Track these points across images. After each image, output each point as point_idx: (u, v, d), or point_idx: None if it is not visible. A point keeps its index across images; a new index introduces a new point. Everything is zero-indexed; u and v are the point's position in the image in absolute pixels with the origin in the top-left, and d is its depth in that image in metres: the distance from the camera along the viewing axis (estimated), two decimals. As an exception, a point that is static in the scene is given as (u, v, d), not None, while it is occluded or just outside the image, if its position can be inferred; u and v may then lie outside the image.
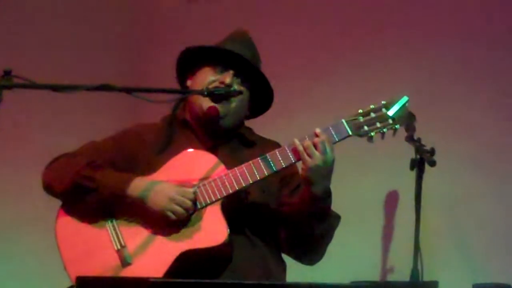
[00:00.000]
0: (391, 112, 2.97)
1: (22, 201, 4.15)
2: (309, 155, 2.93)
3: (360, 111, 2.99)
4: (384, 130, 2.97)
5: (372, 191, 4.25)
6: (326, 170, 2.97)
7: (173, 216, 2.99)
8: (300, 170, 3.02)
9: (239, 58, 3.16)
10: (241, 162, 3.06)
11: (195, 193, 3.02)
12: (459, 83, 4.37)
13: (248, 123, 3.33)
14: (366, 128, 2.97)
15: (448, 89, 4.37)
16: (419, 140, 3.81)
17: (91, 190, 3.06)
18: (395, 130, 2.98)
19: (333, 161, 2.96)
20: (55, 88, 2.76)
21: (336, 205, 3.13)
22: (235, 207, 3.06)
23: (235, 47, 3.19)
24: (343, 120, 2.98)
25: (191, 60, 3.22)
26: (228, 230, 2.97)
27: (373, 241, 4.32)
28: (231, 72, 3.14)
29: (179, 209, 2.98)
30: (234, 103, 3.15)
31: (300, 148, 2.95)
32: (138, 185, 3.03)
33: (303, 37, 4.74)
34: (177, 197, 2.98)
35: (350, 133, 2.98)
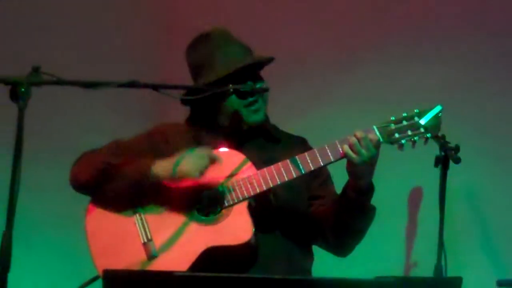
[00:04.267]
0: (423, 121, 2.90)
1: (50, 196, 4.14)
2: (355, 152, 2.88)
3: (392, 118, 2.93)
4: (415, 138, 2.90)
5: (397, 188, 4.22)
6: (371, 166, 2.94)
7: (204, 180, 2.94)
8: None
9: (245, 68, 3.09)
10: (268, 159, 3.03)
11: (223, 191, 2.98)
12: (483, 80, 4.30)
13: (278, 119, 3.28)
14: (397, 135, 2.91)
15: (473, 86, 4.31)
16: (443, 137, 3.72)
17: (114, 176, 3.02)
18: (427, 139, 2.91)
19: (376, 157, 2.92)
20: (83, 84, 2.72)
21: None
22: (263, 206, 3.02)
23: (233, 60, 3.09)
24: (375, 127, 2.92)
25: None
26: (254, 229, 2.93)
27: (398, 237, 4.29)
28: (249, 83, 3.08)
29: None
30: (261, 99, 3.10)
31: (346, 147, 2.89)
32: (161, 164, 2.98)
33: (324, 35, 4.69)
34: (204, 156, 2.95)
35: (381, 139, 2.91)
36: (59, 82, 2.63)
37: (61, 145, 4.18)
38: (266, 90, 3.07)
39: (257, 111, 3.09)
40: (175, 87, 3.02)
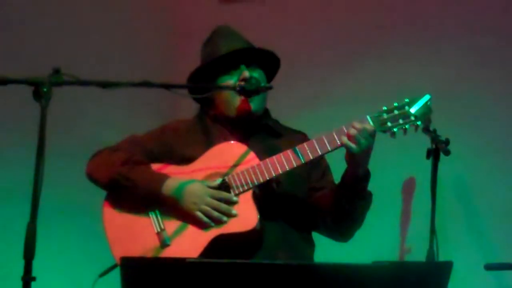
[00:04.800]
0: (413, 110, 2.95)
1: (70, 189, 4.18)
2: (354, 142, 2.94)
3: (384, 108, 2.98)
4: (407, 126, 2.95)
5: (392, 179, 4.25)
6: (368, 154, 3.00)
7: (204, 219, 3.02)
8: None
9: (240, 52, 3.18)
10: (271, 152, 3.08)
11: (226, 184, 3.05)
12: (472, 76, 4.35)
13: (278, 115, 3.34)
14: (389, 124, 2.96)
15: (462, 82, 4.35)
16: (434, 131, 3.80)
17: (127, 187, 3.10)
18: (417, 126, 2.97)
19: (372, 145, 2.98)
20: (100, 84, 2.77)
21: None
22: (267, 195, 3.08)
23: (229, 44, 3.21)
24: (368, 116, 2.98)
25: (203, 79, 3.24)
26: (259, 216, 2.98)
27: (392, 224, 4.33)
28: (242, 67, 3.17)
29: (213, 213, 3.01)
30: (261, 94, 3.16)
31: (345, 139, 2.95)
32: (171, 185, 3.06)
33: (328, 32, 4.73)
34: (211, 201, 3.01)
35: (374, 128, 2.97)
36: (78, 82, 2.69)
37: (80, 140, 4.22)
38: (269, 88, 3.10)
39: (248, 101, 3.15)
40: (185, 86, 3.11)
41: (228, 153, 3.11)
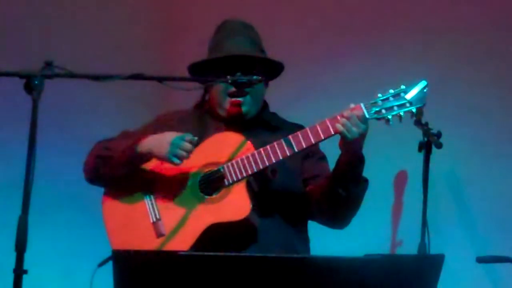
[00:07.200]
0: (409, 96, 2.94)
1: (62, 181, 4.18)
2: (347, 130, 2.93)
3: (379, 95, 2.96)
4: (401, 113, 2.94)
5: (384, 171, 4.23)
6: (362, 140, 2.98)
7: (177, 161, 3.01)
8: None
9: (241, 56, 3.14)
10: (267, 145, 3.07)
11: (220, 173, 3.03)
12: (464, 69, 4.36)
13: (272, 108, 3.32)
14: (384, 111, 2.95)
15: (454, 75, 4.36)
16: (426, 124, 3.80)
17: (108, 157, 3.11)
18: (413, 113, 2.95)
19: (366, 132, 2.96)
20: (92, 77, 2.78)
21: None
22: (262, 185, 3.08)
23: (232, 45, 3.17)
24: (362, 104, 2.96)
25: (201, 74, 3.21)
26: (251, 206, 2.99)
27: (384, 217, 4.34)
28: (238, 74, 3.08)
29: (180, 152, 3.01)
30: (252, 94, 3.14)
31: (339, 127, 2.93)
32: (145, 141, 3.06)
33: (321, 24, 4.73)
34: (177, 140, 3.01)
35: (368, 116, 2.94)
36: (70, 75, 2.68)
37: (72, 132, 4.24)
38: (260, 81, 3.02)
39: (239, 104, 3.14)
40: (178, 79, 3.04)
41: (225, 143, 3.11)
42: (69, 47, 4.35)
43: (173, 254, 2.49)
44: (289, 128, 3.21)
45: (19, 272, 2.43)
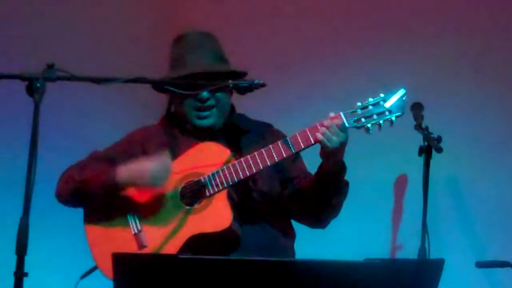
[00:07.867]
0: (388, 104, 2.94)
1: None
2: (328, 140, 2.92)
3: (359, 104, 2.96)
4: (381, 122, 2.94)
5: (384, 176, 4.25)
6: (342, 148, 2.98)
7: (159, 186, 3.02)
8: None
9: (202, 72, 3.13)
10: (239, 150, 3.09)
11: (201, 184, 3.03)
12: (464, 74, 4.35)
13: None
14: (363, 120, 2.95)
15: (454, 80, 4.35)
16: (426, 128, 3.79)
17: (84, 193, 3.10)
18: (392, 121, 2.95)
19: (346, 140, 2.96)
20: (94, 80, 2.78)
21: (350, 188, 3.14)
22: (243, 193, 3.08)
23: (193, 60, 3.15)
24: (341, 113, 2.96)
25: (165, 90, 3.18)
26: (232, 216, 2.98)
27: (384, 221, 4.32)
28: (204, 94, 3.10)
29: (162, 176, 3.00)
30: (218, 106, 3.14)
31: (319, 136, 2.93)
32: (122, 170, 3.05)
33: (313, 30, 4.69)
34: (156, 173, 3.01)
35: (347, 125, 2.95)
36: (72, 78, 2.69)
37: (73, 135, 4.23)
38: (263, 85, 2.98)
39: (204, 118, 3.14)
40: (178, 83, 3.05)
41: (206, 153, 3.10)
42: (70, 49, 4.34)
43: (172, 258, 2.51)
44: (258, 128, 3.23)
45: (19, 275, 2.43)
